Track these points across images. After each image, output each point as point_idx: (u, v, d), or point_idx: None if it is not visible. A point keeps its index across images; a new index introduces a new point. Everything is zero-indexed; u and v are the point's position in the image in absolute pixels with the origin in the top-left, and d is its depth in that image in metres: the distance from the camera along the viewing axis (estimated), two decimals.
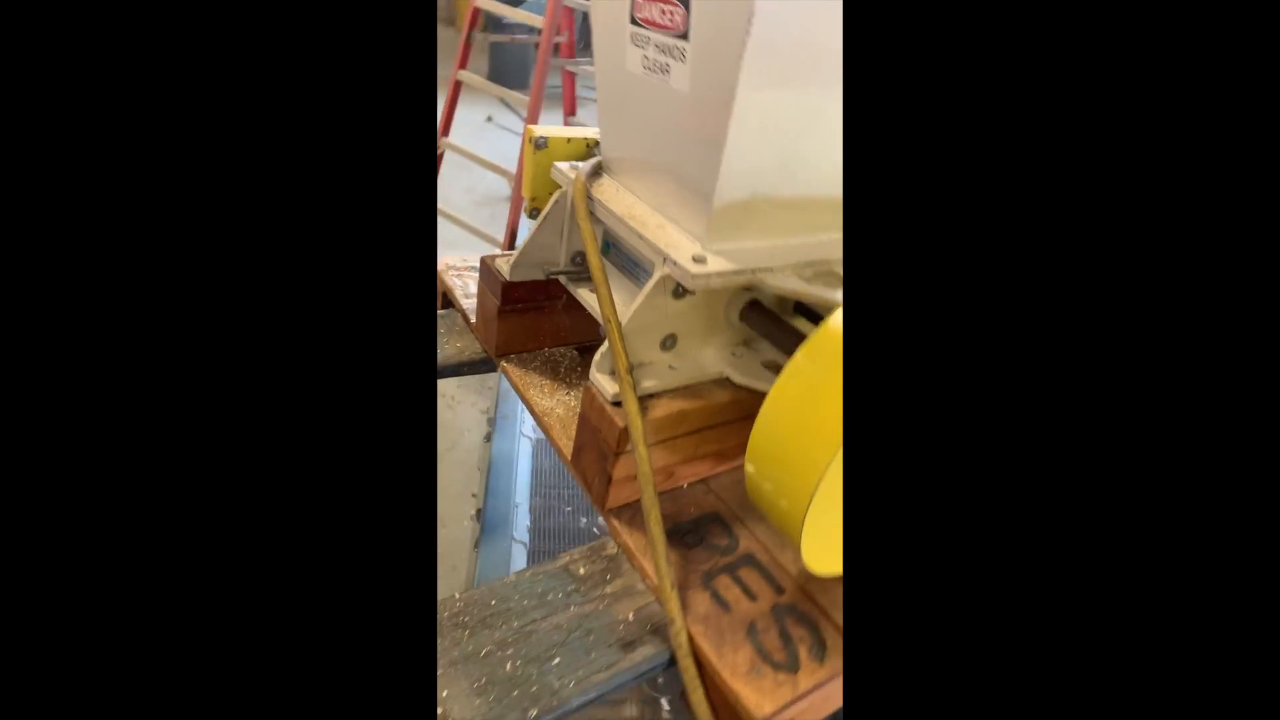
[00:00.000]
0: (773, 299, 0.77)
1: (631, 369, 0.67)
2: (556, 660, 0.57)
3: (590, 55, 3.23)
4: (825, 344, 0.55)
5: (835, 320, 0.55)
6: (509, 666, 0.56)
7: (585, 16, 3.60)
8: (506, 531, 1.08)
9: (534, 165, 0.89)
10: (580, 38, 3.91)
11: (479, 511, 1.08)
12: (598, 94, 0.81)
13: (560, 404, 0.86)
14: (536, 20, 2.35)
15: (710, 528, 0.71)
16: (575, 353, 0.97)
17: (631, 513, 0.72)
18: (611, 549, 0.70)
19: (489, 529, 1.05)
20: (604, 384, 0.68)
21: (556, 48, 3.76)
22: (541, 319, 0.94)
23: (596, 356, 0.69)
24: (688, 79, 0.64)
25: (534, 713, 0.53)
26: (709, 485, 0.77)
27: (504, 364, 0.93)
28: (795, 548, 0.58)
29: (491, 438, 1.26)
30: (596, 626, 0.61)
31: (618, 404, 0.67)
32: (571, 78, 3.43)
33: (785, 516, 0.57)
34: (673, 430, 0.69)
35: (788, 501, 0.56)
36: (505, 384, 1.68)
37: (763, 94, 0.60)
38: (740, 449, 0.71)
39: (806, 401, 0.54)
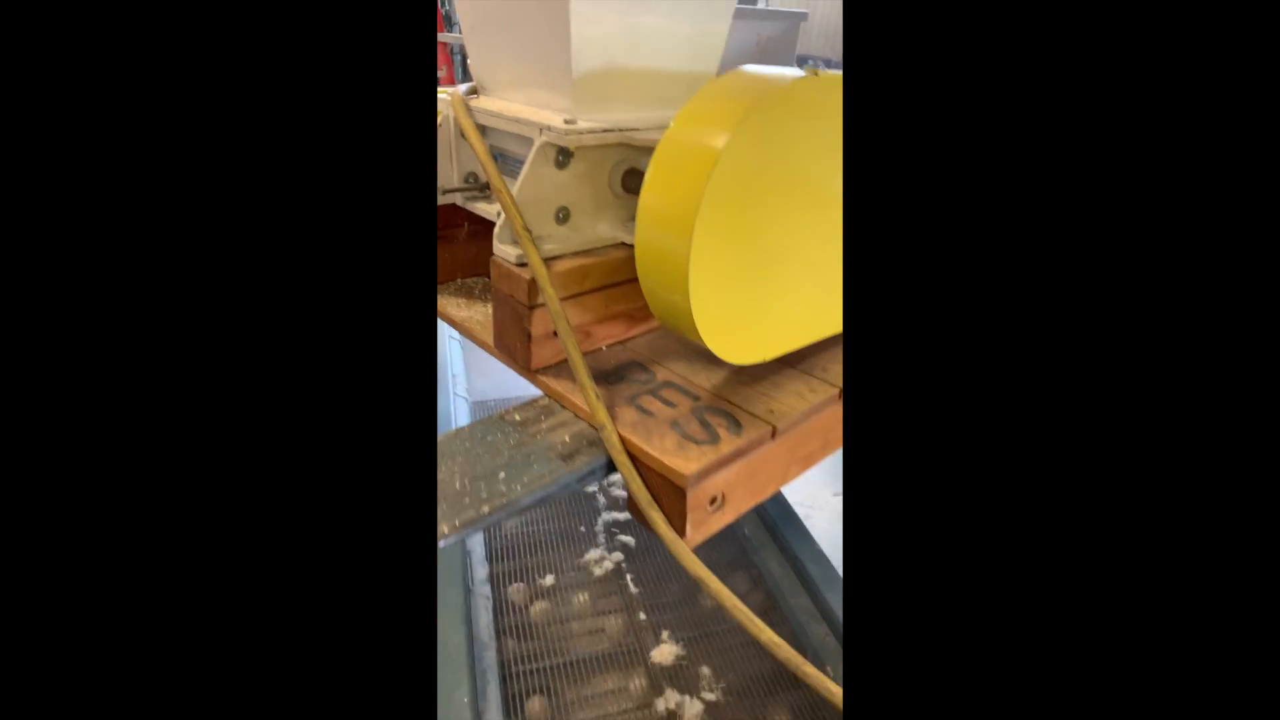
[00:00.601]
0: None
1: (530, 233, 0.73)
2: (502, 475, 0.62)
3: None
4: (667, 148, 0.63)
5: (670, 129, 0.63)
6: (458, 484, 0.61)
7: (462, 50, 3.70)
8: None
9: None
10: (460, 71, 4.02)
11: None
12: (461, 24, 0.88)
13: (478, 313, 0.92)
14: None
15: (630, 370, 0.78)
16: (487, 279, 1.02)
17: (557, 369, 0.77)
18: (544, 401, 0.75)
19: None
20: (507, 251, 0.74)
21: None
22: (447, 249, 0.99)
23: (496, 230, 0.75)
24: None
25: (486, 509, 0.58)
26: (626, 346, 0.84)
27: None
28: (693, 333, 0.65)
29: None
30: (536, 449, 0.66)
31: (523, 264, 0.73)
32: None
33: (676, 309, 0.64)
34: (578, 285, 0.76)
35: (667, 291, 0.63)
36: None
37: None
38: (646, 310, 0.78)
39: (665, 201, 0.62)
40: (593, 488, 1.36)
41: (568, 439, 0.68)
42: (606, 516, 1.27)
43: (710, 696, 0.94)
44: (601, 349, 0.83)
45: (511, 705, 0.91)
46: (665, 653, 1.06)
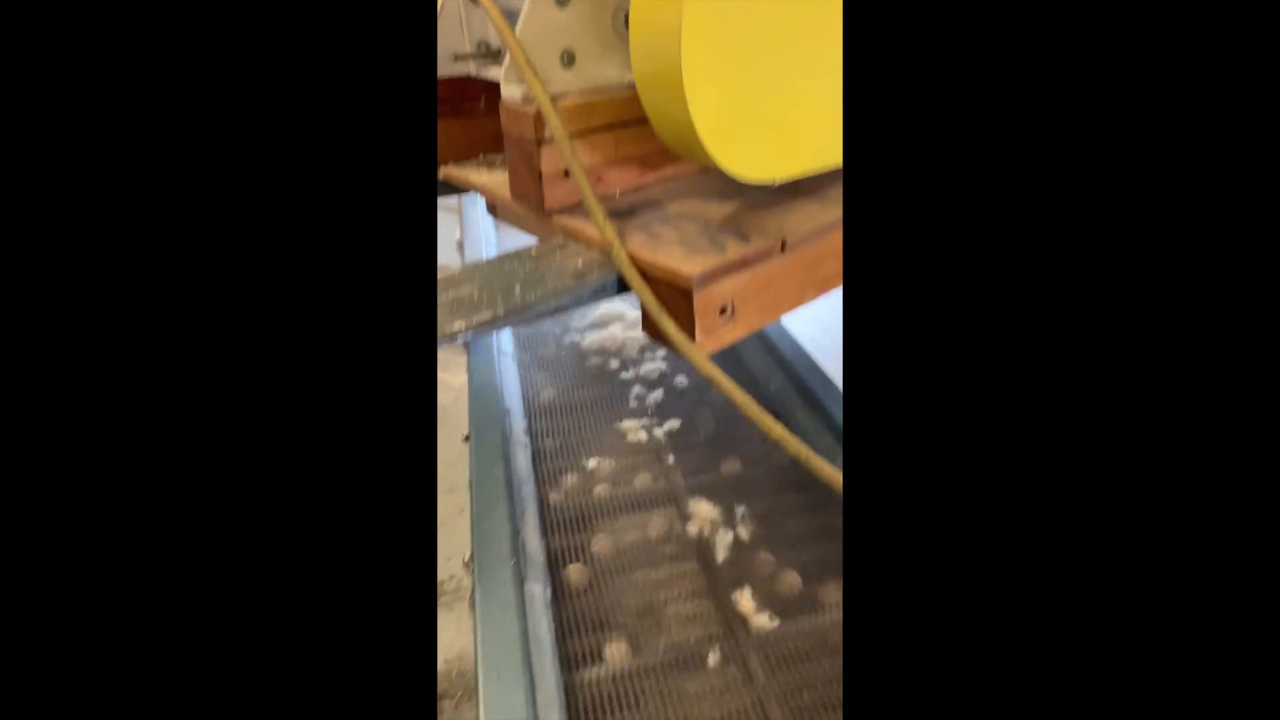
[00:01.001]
0: None
1: (533, 68, 0.74)
2: (517, 288, 0.65)
3: None
4: None
5: None
6: (475, 297, 0.64)
7: None
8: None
9: None
10: None
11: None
12: None
13: (499, 177, 0.94)
14: None
15: (642, 208, 0.79)
16: None
17: (572, 211, 0.79)
18: (559, 239, 0.77)
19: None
20: (514, 90, 0.75)
21: None
22: (468, 124, 1.01)
23: (503, 72, 0.76)
24: None
25: (502, 312, 0.61)
26: (639, 192, 0.85)
27: (442, 170, 1.00)
28: (697, 145, 0.65)
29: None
30: (551, 271, 0.69)
31: (530, 102, 0.74)
32: None
33: (678, 122, 0.64)
34: (585, 120, 0.77)
35: (666, 104, 0.63)
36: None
37: None
38: (659, 154, 0.78)
39: (651, 11, 0.61)
40: (628, 374, 1.39)
41: (580, 263, 0.70)
42: (642, 392, 1.31)
43: (743, 532, 0.98)
44: (615, 195, 0.84)
45: (548, 529, 0.97)
46: (700, 504, 1.07)
